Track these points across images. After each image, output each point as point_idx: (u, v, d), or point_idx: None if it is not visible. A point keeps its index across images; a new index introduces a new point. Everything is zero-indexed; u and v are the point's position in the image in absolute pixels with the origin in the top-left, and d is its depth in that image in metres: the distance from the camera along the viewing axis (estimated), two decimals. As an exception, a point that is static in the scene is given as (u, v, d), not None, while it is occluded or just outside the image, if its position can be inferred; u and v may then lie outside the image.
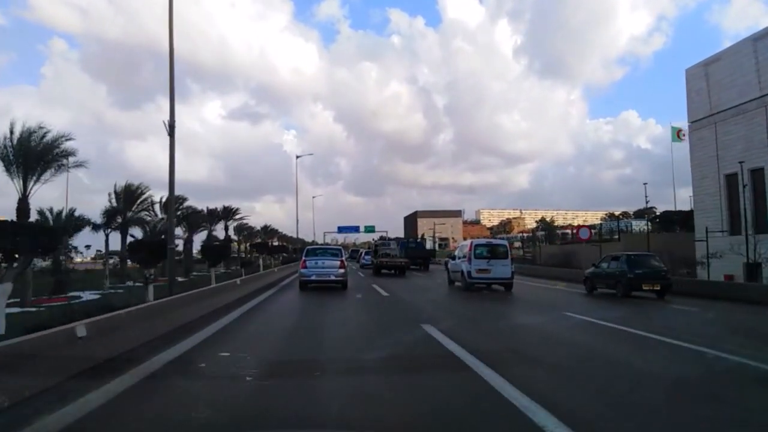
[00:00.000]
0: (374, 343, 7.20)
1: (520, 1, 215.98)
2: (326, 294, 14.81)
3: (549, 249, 41.11)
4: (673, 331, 8.12)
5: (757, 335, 8.81)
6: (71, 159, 15.83)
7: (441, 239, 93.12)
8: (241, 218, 46.72)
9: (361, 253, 43.53)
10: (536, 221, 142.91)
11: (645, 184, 40.75)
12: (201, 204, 65.96)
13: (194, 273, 29.35)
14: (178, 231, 32.75)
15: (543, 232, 60.35)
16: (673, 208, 46.86)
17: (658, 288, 14.35)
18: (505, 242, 21.14)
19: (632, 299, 14.19)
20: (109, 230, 21.12)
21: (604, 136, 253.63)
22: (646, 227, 38.49)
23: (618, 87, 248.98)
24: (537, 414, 3.67)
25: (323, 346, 7.14)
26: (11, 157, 14.24)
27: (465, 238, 47.71)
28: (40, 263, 19.80)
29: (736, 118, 22.70)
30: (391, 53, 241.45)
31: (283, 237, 73.80)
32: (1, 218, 13.77)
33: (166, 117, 11.73)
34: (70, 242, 23.79)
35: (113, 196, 21.77)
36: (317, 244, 53.10)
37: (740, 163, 21.39)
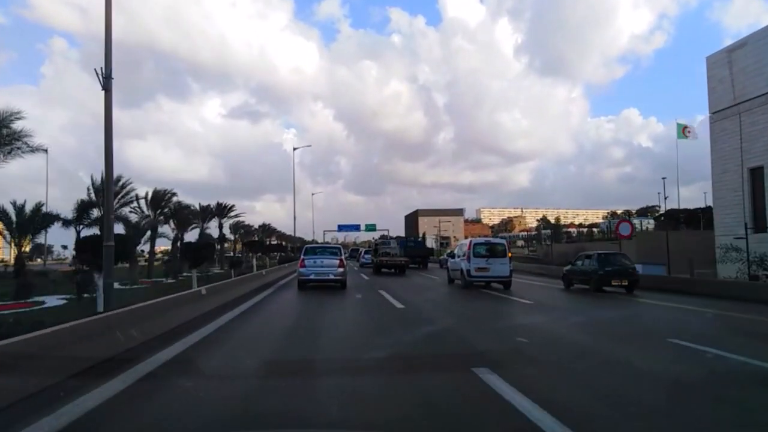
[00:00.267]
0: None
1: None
2: (326, 294, 14.20)
3: (560, 248, 39.86)
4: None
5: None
6: (29, 142, 13.85)
7: (443, 238, 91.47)
8: (236, 216, 45.23)
9: (361, 252, 42.98)
10: (537, 220, 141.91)
11: (664, 178, 39.00)
12: (202, 203, 64.31)
13: (185, 273, 27.75)
14: (167, 229, 31.15)
15: (548, 231, 58.94)
16: (674, 206, 45.39)
17: (626, 283, 15.38)
18: (504, 241, 20.82)
19: (603, 293, 15.22)
20: (81, 227, 19.26)
21: (605, 134, 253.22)
22: (649, 225, 37.02)
23: (619, 85, 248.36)
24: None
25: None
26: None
27: (466, 237, 46.37)
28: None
29: (764, 108, 21.10)
30: (392, 52, 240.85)
31: (282, 236, 72.50)
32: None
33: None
34: (37, 240, 22.00)
35: (92, 189, 20.02)
36: (317, 242, 51.58)
37: (769, 155, 19.83)
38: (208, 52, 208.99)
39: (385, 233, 59.72)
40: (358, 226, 72.34)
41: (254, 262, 25.88)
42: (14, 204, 18.25)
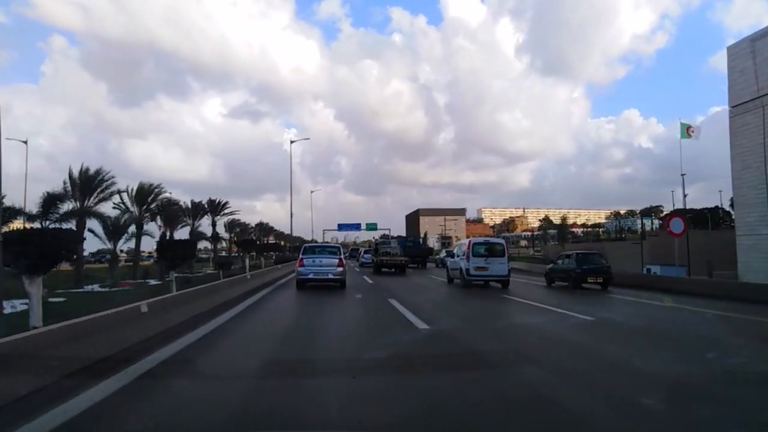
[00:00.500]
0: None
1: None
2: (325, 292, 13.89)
3: (573, 248, 38.51)
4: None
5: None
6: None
7: (444, 238, 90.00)
8: (231, 213, 43.84)
9: (361, 251, 41.95)
10: (540, 220, 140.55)
11: (683, 174, 36.97)
12: (194, 200, 62.92)
13: (174, 274, 26.26)
14: (153, 226, 29.67)
15: (553, 231, 57.51)
16: (678, 207, 44.02)
17: (601, 281, 16.54)
18: (502, 241, 20.77)
19: (581, 290, 16.14)
20: (48, 222, 17.66)
21: (605, 134, 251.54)
22: (654, 226, 35.69)
23: (620, 85, 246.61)
24: None
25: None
26: None
27: (468, 237, 45.17)
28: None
29: (791, 99, 19.67)
30: (393, 51, 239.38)
31: (280, 235, 71.24)
32: None
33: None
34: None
35: (68, 182, 18.42)
36: (316, 242, 50.19)
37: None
38: (208, 51, 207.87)
39: (386, 233, 58.58)
40: (359, 225, 71.04)
41: (247, 262, 24.45)
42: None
